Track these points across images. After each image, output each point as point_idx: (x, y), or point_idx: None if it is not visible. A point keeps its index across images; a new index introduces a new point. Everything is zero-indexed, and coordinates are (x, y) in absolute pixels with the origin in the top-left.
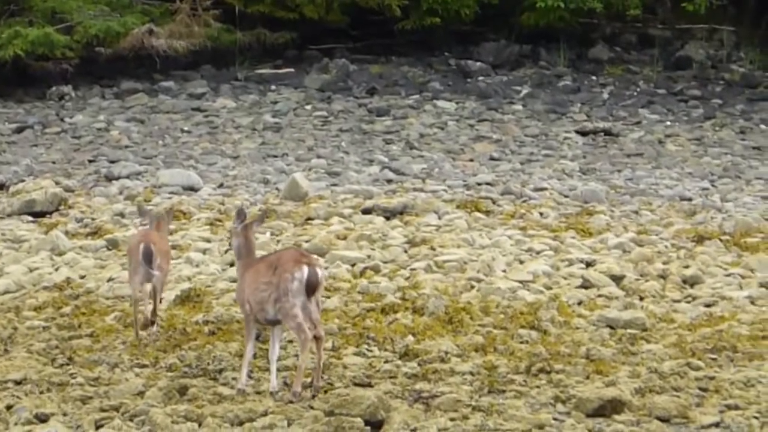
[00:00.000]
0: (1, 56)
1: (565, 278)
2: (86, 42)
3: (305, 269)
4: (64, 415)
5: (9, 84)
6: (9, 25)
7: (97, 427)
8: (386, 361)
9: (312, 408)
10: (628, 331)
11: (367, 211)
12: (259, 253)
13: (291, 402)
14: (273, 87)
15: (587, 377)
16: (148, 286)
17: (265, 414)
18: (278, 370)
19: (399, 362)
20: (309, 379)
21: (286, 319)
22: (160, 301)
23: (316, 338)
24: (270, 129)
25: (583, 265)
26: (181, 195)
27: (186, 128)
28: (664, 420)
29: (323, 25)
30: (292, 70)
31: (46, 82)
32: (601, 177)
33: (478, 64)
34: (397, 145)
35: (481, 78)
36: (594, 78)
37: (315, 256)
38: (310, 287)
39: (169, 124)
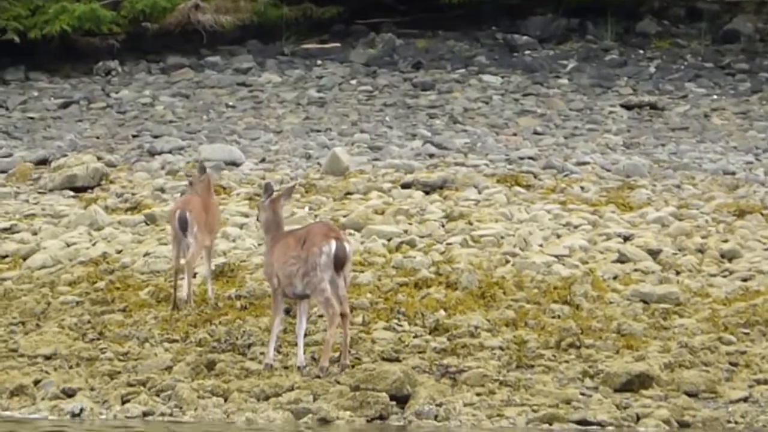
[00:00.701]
0: (48, 31)
1: (601, 252)
2: (133, 17)
3: (333, 243)
4: (92, 389)
5: (56, 59)
6: (56, 1)
7: (123, 402)
8: (416, 336)
9: (338, 383)
10: (662, 305)
11: (406, 186)
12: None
13: (318, 377)
14: (319, 62)
15: (617, 352)
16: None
17: (291, 389)
18: (307, 345)
19: (428, 337)
20: (337, 354)
21: (315, 293)
22: (194, 276)
23: (342, 315)
24: (314, 104)
25: (620, 240)
26: (222, 170)
27: (231, 103)
28: (692, 395)
29: None
30: (338, 44)
31: (93, 57)
32: (645, 151)
33: (525, 38)
34: (441, 120)
35: (527, 52)
36: (641, 52)
37: (344, 231)
38: (338, 262)
39: (214, 99)
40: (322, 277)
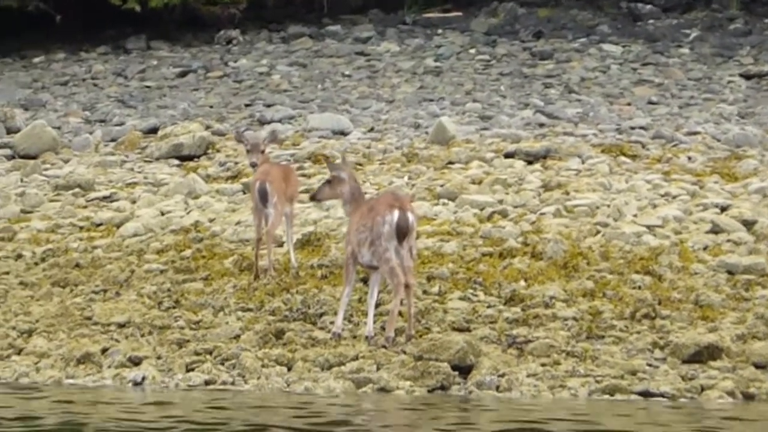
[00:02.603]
0: (169, 0)
1: (695, 223)
2: None
3: (396, 213)
4: (158, 358)
5: (179, 29)
6: None
7: (187, 370)
8: (489, 306)
9: (404, 353)
10: (746, 276)
11: (509, 155)
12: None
13: (384, 347)
14: (439, 31)
15: (691, 323)
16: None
17: (355, 358)
18: (381, 314)
19: (502, 307)
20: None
21: (380, 263)
22: (281, 245)
23: (406, 286)
24: (430, 73)
25: (717, 210)
26: (329, 139)
27: (347, 72)
28: (759, 366)
29: None
30: (460, 13)
31: (215, 26)
32: (759, 121)
33: (649, 6)
34: (556, 89)
35: (651, 21)
36: (767, 21)
37: (410, 201)
38: (400, 231)
39: (331, 68)
40: (386, 247)
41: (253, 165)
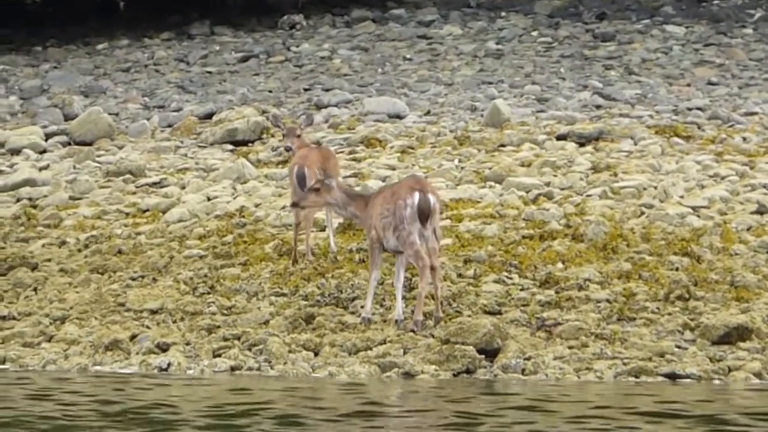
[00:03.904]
0: None
1: (741, 203)
2: None
3: (416, 195)
4: (187, 344)
5: (243, 14)
6: None
7: (214, 356)
8: (522, 289)
9: (433, 336)
10: None
11: (561, 137)
12: None
13: (413, 331)
14: (503, 14)
15: (724, 304)
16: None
17: (383, 342)
18: (414, 298)
19: (536, 290)
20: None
21: (405, 247)
22: (323, 229)
23: (432, 268)
24: (491, 56)
25: (765, 190)
26: (384, 122)
27: (408, 56)
28: None
29: None
30: None
31: (279, 11)
32: None
33: None
34: (616, 71)
35: (715, 2)
36: None
37: (432, 184)
38: (422, 214)
39: (392, 52)
40: (410, 231)
41: (288, 149)
